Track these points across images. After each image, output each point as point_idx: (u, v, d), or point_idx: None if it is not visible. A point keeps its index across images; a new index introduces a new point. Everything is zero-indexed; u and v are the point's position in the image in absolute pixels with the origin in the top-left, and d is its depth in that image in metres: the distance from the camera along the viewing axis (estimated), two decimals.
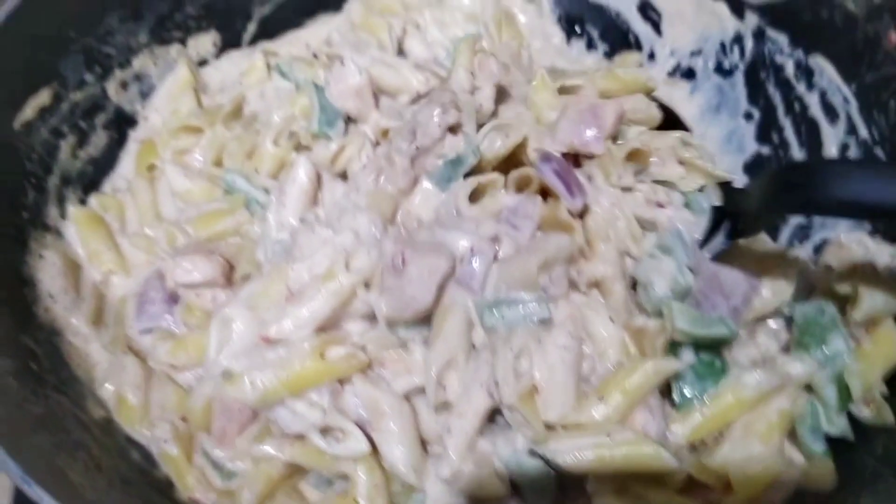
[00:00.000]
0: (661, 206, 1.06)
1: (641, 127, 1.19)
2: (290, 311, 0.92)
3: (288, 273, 0.96)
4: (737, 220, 1.00)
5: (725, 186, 1.10)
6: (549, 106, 1.15)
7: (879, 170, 0.85)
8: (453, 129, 1.05)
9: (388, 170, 1.03)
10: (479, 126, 1.09)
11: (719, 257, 1.04)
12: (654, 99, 1.24)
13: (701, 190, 1.09)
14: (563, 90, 1.18)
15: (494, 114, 1.15)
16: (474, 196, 1.02)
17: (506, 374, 0.87)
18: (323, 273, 0.94)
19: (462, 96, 1.10)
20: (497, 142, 1.06)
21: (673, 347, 0.93)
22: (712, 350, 0.95)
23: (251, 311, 0.94)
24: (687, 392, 0.93)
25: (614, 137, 1.13)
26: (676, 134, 1.16)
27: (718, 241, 1.03)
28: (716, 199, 1.07)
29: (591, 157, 1.08)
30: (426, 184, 1.04)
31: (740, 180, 1.27)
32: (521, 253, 0.94)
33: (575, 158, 1.09)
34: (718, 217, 1.04)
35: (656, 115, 1.21)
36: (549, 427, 0.88)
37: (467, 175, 1.03)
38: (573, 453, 0.86)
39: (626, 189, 1.06)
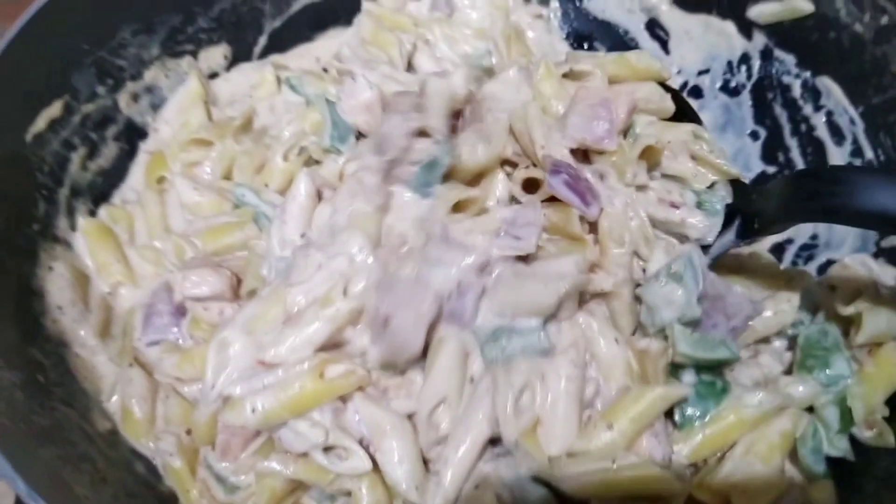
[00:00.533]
0: (674, 206, 1.02)
1: (651, 117, 1.13)
2: (287, 335, 0.92)
3: (286, 296, 0.95)
4: (748, 219, 0.99)
5: (738, 184, 1.05)
6: (555, 96, 1.09)
7: None
8: (423, 134, 1.02)
9: (359, 189, 1.00)
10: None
11: (723, 265, 1.05)
12: (667, 88, 1.17)
13: (711, 187, 1.05)
14: (571, 75, 1.14)
15: (479, 119, 1.09)
16: (462, 206, 1.00)
17: (507, 411, 0.86)
18: (321, 297, 0.93)
19: (431, 94, 1.06)
20: (479, 148, 1.02)
21: (674, 369, 0.94)
22: (713, 371, 0.95)
23: (249, 335, 0.93)
24: (689, 412, 0.93)
25: (625, 130, 1.09)
26: (689, 127, 1.09)
27: (728, 238, 1.02)
28: (728, 196, 1.03)
29: (601, 152, 1.03)
30: (406, 194, 1.00)
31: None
32: (519, 278, 0.91)
33: (584, 153, 1.05)
34: (729, 214, 1.02)
35: (670, 107, 1.14)
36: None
37: (447, 179, 1.00)
38: (578, 480, 0.86)
39: (641, 188, 1.02)
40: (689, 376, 0.94)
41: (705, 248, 1.03)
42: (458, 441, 0.88)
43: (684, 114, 1.16)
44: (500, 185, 1.04)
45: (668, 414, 0.95)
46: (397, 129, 1.01)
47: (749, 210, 0.99)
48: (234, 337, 0.93)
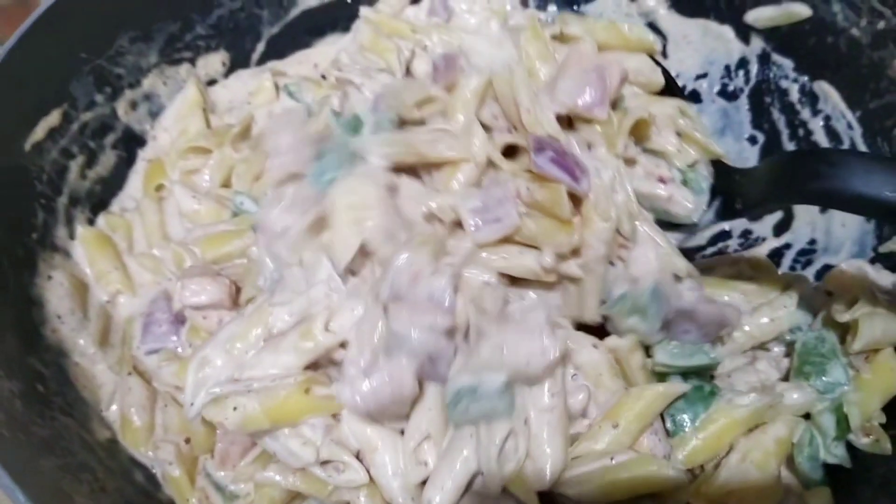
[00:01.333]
0: (662, 181, 0.99)
1: (638, 89, 1.09)
2: (264, 359, 0.90)
3: (267, 317, 0.94)
4: (730, 199, 0.97)
5: (719, 165, 1.03)
6: (541, 57, 1.03)
7: None
8: None
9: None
10: None
11: (720, 270, 1.07)
12: (657, 63, 1.14)
13: (692, 166, 1.02)
14: (559, 38, 1.09)
15: (452, 80, 1.01)
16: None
17: (490, 464, 0.84)
18: (296, 327, 0.91)
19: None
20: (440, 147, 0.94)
21: (661, 377, 0.95)
22: (700, 376, 0.96)
23: (228, 353, 0.92)
24: (679, 418, 0.94)
25: (614, 101, 1.02)
26: (675, 102, 1.05)
27: (707, 218, 1.01)
28: (710, 176, 1.01)
29: (589, 121, 0.97)
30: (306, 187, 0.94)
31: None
32: (489, 337, 0.86)
33: (569, 120, 0.99)
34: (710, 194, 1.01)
35: (659, 80, 1.10)
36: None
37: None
38: (580, 484, 0.87)
39: (629, 161, 0.98)
40: (677, 381, 0.95)
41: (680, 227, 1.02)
42: (441, 484, 0.85)
43: (670, 90, 1.13)
44: (477, 145, 0.95)
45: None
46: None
47: (731, 191, 0.97)
48: (213, 355, 0.92)
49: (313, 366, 0.91)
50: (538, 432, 0.86)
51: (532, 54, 1.04)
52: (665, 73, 1.13)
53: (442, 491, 0.85)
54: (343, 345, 0.90)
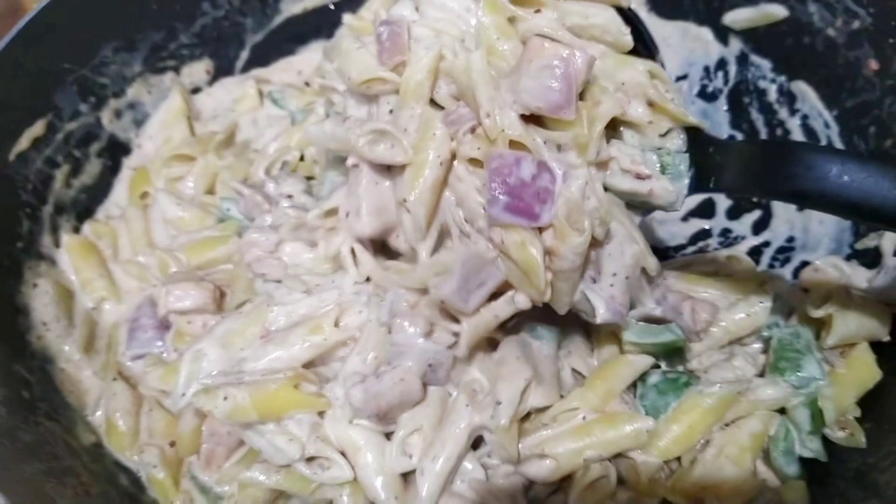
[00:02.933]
0: (640, 177, 0.90)
1: (602, 46, 0.92)
2: (269, 351, 0.94)
3: (267, 315, 0.97)
4: (704, 173, 0.89)
5: (695, 133, 0.91)
6: (503, 33, 0.86)
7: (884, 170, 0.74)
8: None
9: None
10: None
11: (698, 268, 1.07)
12: (627, 17, 0.95)
13: (666, 135, 0.91)
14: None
15: (400, 49, 0.90)
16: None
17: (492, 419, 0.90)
18: (305, 322, 0.95)
19: None
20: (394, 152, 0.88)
21: (642, 378, 0.97)
22: (674, 358, 0.98)
23: (224, 348, 0.95)
24: (652, 406, 0.96)
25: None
26: (644, 65, 0.90)
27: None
28: (683, 144, 0.91)
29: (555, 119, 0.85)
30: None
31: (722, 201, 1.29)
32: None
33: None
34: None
35: (627, 43, 0.93)
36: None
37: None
38: (557, 443, 0.92)
39: (602, 164, 0.88)
40: (654, 377, 0.97)
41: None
42: (433, 454, 0.89)
43: (641, 43, 0.97)
44: (436, 147, 0.85)
45: None
46: None
47: (705, 164, 0.89)
48: (209, 349, 0.95)
49: (306, 365, 0.95)
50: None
51: (490, 26, 0.87)
52: (635, 29, 0.96)
53: (435, 464, 0.88)
54: (346, 343, 0.94)
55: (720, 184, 0.88)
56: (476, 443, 0.94)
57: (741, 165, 0.84)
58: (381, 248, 0.98)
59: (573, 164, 0.85)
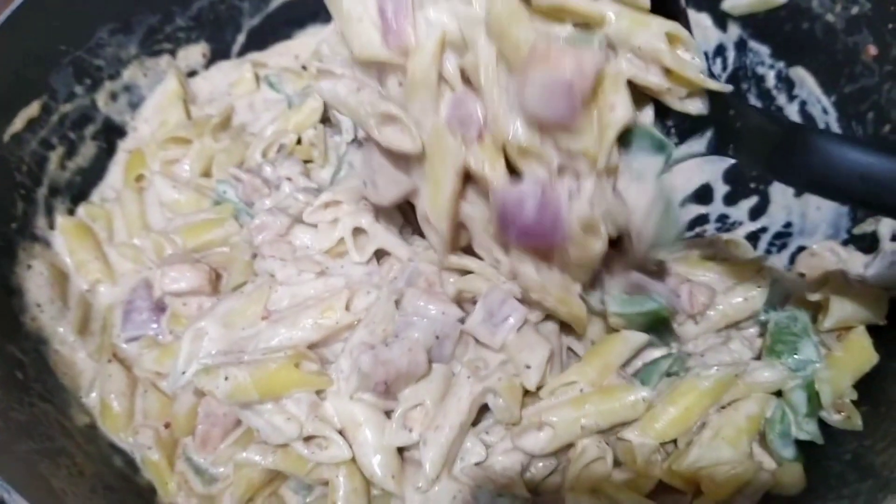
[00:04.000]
0: None
1: (618, 6, 0.81)
2: (272, 331, 0.95)
3: (270, 295, 0.98)
4: (724, 137, 0.84)
5: (716, 95, 0.83)
6: (515, 18, 0.78)
7: None
8: None
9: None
10: None
11: (696, 251, 1.07)
12: None
13: (686, 98, 0.84)
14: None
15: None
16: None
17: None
18: (316, 304, 0.97)
19: None
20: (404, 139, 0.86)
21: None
22: (663, 331, 0.99)
23: (225, 327, 0.96)
24: (648, 380, 0.97)
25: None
26: (660, 27, 0.80)
27: (697, 149, 0.87)
28: (704, 107, 0.85)
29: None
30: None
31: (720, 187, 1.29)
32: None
33: None
34: (701, 122, 0.86)
35: (645, 2, 0.81)
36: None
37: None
38: (554, 413, 0.92)
39: (612, 170, 0.85)
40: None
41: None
42: (437, 424, 0.90)
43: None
44: (451, 162, 0.84)
45: None
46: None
47: (726, 129, 0.83)
48: (210, 328, 0.96)
49: (310, 346, 0.96)
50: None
51: (502, 14, 0.78)
52: None
53: (438, 431, 0.89)
54: (353, 325, 0.96)
55: (738, 153, 0.84)
56: (475, 420, 0.95)
57: (759, 142, 0.80)
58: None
59: (583, 173, 0.83)
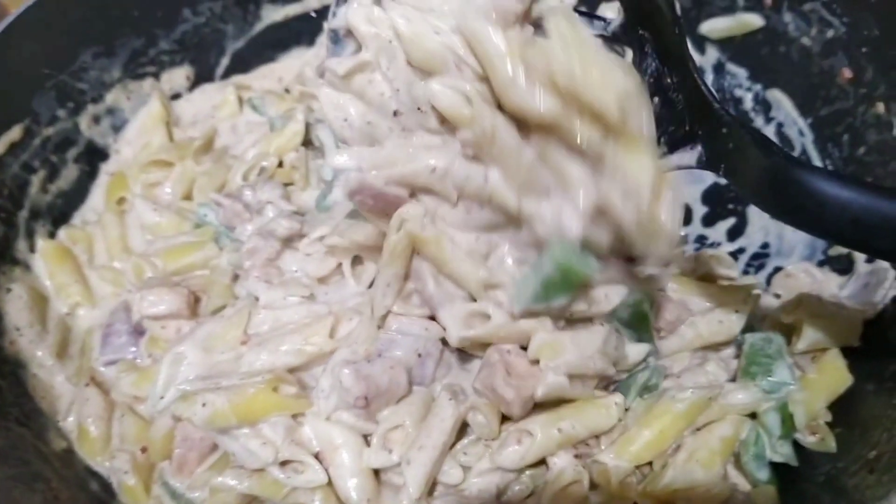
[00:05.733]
0: None
1: None
2: (252, 356, 0.95)
3: (251, 318, 0.99)
4: (714, 158, 0.79)
5: (703, 105, 0.78)
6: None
7: None
8: None
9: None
10: None
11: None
12: None
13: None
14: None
15: None
16: None
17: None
18: (300, 330, 0.97)
19: None
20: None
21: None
22: (641, 328, 0.98)
23: (205, 352, 0.96)
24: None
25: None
26: None
27: (686, 160, 0.82)
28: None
29: None
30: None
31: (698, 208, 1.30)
32: None
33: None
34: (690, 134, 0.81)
35: None
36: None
37: None
38: (531, 421, 0.92)
39: None
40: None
41: None
42: (420, 444, 0.90)
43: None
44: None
45: None
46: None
47: (716, 147, 0.79)
48: (189, 352, 0.96)
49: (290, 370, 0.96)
50: None
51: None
52: None
53: (422, 451, 0.89)
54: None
55: (728, 175, 0.79)
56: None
57: (749, 168, 0.76)
58: None
59: None
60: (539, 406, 0.93)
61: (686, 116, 0.81)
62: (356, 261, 1.05)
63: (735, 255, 1.23)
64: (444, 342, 0.95)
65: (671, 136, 0.83)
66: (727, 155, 0.78)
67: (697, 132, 0.80)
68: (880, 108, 1.09)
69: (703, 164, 0.81)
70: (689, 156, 0.82)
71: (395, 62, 0.81)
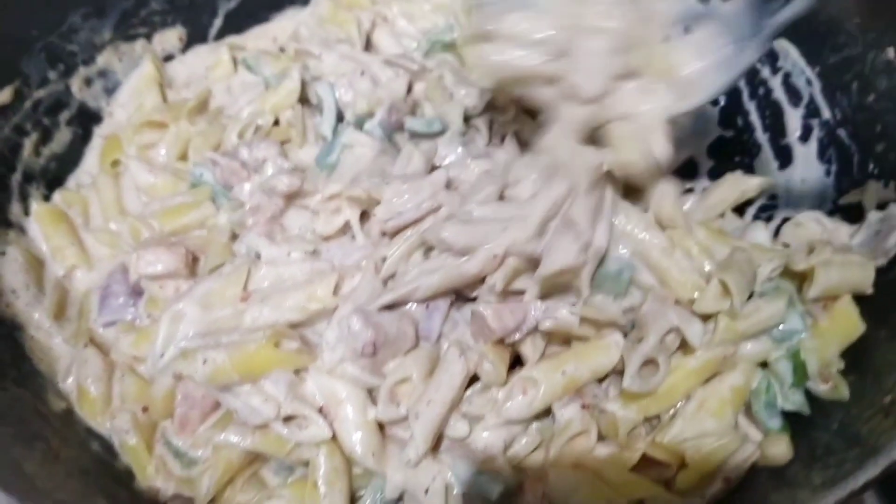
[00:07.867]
0: None
1: None
2: (254, 311, 0.94)
3: (253, 274, 0.98)
4: None
5: None
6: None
7: None
8: None
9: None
10: None
11: None
12: None
13: None
14: None
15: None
16: None
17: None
18: (303, 286, 0.96)
19: None
20: None
21: None
22: None
23: (204, 309, 0.95)
24: None
25: None
26: None
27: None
28: None
29: None
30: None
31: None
32: None
33: None
34: None
35: None
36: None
37: None
38: (536, 367, 0.92)
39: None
40: None
41: None
42: (428, 398, 0.89)
43: None
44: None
45: None
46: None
47: None
48: (188, 310, 0.95)
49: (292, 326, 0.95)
50: None
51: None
52: None
53: (430, 405, 0.88)
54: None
55: None
56: None
57: None
58: None
59: None
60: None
61: None
62: (363, 216, 1.04)
63: (743, 206, 1.20)
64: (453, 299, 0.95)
65: None
66: None
67: None
68: (890, 53, 1.07)
69: None
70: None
71: None
